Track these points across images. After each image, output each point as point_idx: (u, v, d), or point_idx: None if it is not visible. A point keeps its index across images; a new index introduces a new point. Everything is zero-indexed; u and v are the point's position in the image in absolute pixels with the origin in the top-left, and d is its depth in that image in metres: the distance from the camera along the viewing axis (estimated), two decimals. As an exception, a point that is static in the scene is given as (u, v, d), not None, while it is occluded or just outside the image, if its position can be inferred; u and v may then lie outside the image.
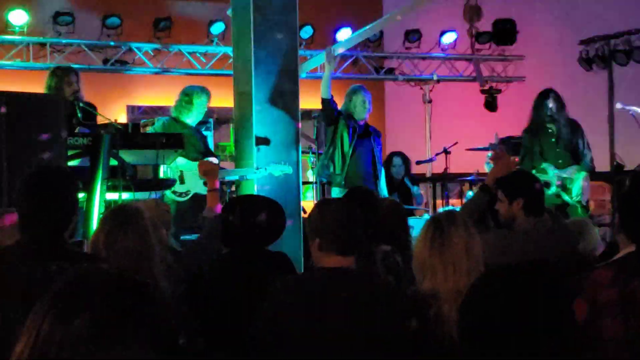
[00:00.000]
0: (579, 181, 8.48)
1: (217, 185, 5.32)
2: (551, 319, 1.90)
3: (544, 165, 8.52)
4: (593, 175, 8.72)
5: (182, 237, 7.88)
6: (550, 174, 8.48)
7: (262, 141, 8.13)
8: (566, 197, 8.52)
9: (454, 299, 3.54)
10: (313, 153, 9.38)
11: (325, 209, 3.64)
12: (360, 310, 3.41)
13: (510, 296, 1.91)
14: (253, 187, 8.17)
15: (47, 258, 3.12)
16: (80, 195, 6.52)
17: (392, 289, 3.61)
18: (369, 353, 3.38)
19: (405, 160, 10.15)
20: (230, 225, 4.81)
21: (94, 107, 7.69)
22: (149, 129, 8.71)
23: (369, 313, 3.41)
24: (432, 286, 3.66)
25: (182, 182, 7.94)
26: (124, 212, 3.84)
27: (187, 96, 8.32)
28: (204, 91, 8.42)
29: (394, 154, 10.21)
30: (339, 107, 8.87)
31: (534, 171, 8.08)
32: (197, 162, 7.98)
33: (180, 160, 7.93)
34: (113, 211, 3.95)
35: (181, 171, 7.95)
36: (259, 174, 7.86)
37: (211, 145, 9.66)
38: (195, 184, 7.96)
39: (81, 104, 7.52)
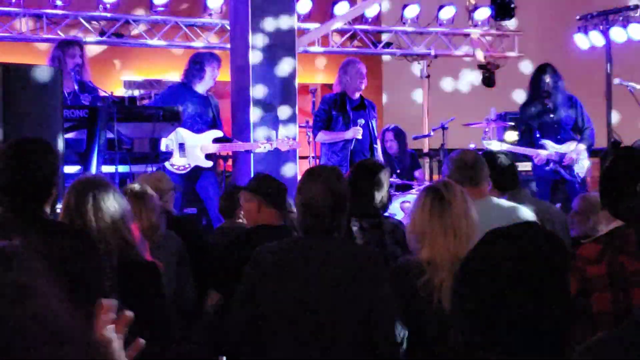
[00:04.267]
0: (584, 160, 8.52)
1: None
2: (552, 283, 1.90)
3: (543, 141, 8.53)
4: (591, 151, 8.73)
5: (185, 211, 7.88)
6: (549, 150, 8.49)
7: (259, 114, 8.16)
8: (564, 173, 8.53)
9: (452, 264, 3.55)
10: (310, 127, 9.36)
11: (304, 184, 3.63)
12: (332, 274, 3.44)
13: (513, 254, 1.91)
14: (250, 161, 8.18)
15: (26, 229, 3.12)
16: (77, 167, 6.54)
17: (369, 255, 3.60)
18: (341, 314, 3.43)
19: (398, 134, 9.95)
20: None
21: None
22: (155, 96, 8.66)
23: (341, 276, 3.44)
24: (431, 253, 3.67)
25: (182, 155, 7.86)
26: (89, 179, 3.84)
27: (197, 63, 8.17)
28: (214, 57, 8.29)
29: (385, 129, 10.11)
30: (334, 82, 8.87)
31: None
32: (200, 134, 7.96)
33: (183, 132, 7.85)
34: (78, 179, 3.92)
35: (182, 144, 7.87)
36: None
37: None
38: (195, 157, 7.90)
39: (77, 77, 7.52)
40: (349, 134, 8.47)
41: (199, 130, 7.94)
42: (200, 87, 8.14)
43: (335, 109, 8.60)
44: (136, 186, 4.60)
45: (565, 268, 1.93)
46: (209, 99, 8.29)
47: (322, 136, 8.63)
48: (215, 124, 8.17)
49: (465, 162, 4.78)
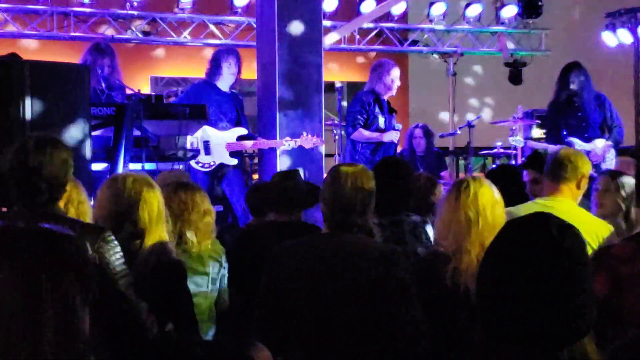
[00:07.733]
0: (611, 158, 8.45)
1: None
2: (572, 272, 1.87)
3: (570, 139, 8.47)
4: (619, 149, 8.67)
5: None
6: (577, 148, 8.43)
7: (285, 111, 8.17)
8: (591, 171, 8.46)
9: (476, 251, 3.60)
10: (335, 125, 9.35)
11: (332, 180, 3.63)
12: (352, 273, 3.45)
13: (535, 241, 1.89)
14: (276, 160, 8.19)
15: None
16: (104, 165, 6.57)
17: (387, 252, 3.57)
18: (360, 310, 3.43)
19: (427, 132, 9.86)
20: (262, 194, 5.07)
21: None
22: (180, 93, 8.68)
23: (360, 275, 3.45)
24: (456, 242, 3.69)
25: (207, 152, 7.88)
26: (116, 179, 3.84)
27: (214, 61, 8.23)
28: (230, 52, 8.30)
29: (414, 126, 10.07)
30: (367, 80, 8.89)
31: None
32: (225, 131, 7.98)
33: (208, 130, 7.86)
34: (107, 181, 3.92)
35: (207, 141, 7.88)
36: None
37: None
38: (220, 155, 7.91)
39: (104, 74, 7.54)
40: (387, 137, 8.47)
41: (223, 128, 7.96)
42: (222, 84, 8.16)
43: (375, 110, 8.60)
44: (182, 180, 4.66)
45: (580, 258, 1.90)
46: (232, 96, 8.29)
47: (362, 134, 8.58)
48: (239, 121, 8.19)
49: (556, 156, 4.82)
